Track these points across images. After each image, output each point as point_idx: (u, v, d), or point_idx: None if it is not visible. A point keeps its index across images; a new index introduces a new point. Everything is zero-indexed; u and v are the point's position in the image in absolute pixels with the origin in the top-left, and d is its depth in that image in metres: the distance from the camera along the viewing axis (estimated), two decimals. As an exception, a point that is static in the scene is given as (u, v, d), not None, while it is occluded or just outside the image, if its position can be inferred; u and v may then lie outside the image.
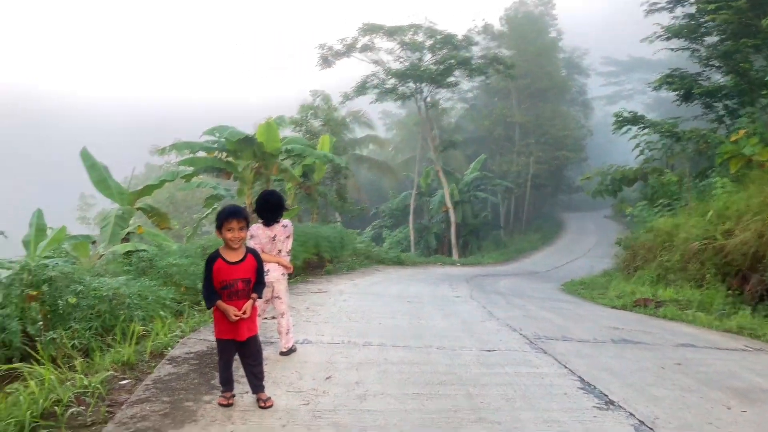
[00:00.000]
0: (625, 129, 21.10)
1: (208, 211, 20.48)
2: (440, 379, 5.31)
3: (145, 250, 10.91)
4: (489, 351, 6.66)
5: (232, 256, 4.38)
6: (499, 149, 50.45)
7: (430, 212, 40.97)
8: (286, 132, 27.70)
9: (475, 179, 40.45)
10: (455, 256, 33.09)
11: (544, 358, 6.42)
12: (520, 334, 7.76)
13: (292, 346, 6.10)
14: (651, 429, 4.24)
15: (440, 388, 5.01)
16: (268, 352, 6.12)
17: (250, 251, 4.43)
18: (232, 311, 4.27)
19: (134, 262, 10.93)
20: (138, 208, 14.35)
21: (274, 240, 5.87)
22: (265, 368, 4.80)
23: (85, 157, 13.82)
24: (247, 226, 4.40)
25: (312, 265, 17.18)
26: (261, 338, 6.79)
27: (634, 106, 57.33)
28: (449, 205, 34.01)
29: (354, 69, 30.26)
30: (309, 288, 12.37)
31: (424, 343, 6.94)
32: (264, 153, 16.76)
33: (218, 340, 4.42)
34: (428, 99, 32.21)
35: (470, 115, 54.16)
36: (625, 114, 21.16)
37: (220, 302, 4.32)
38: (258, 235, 5.83)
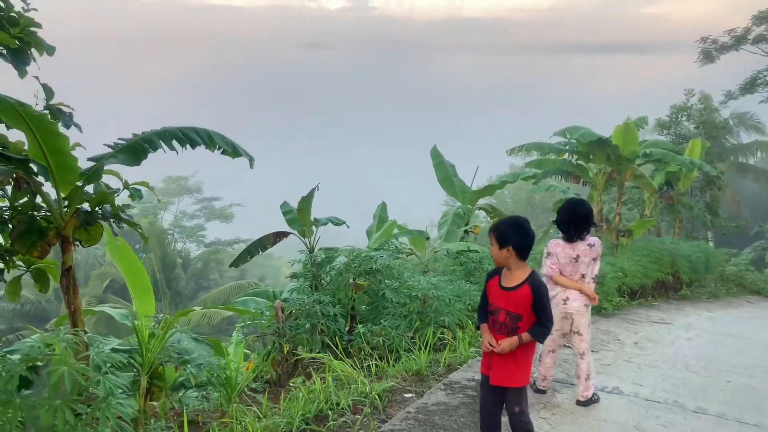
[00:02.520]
0: None
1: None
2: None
3: (476, 251, 10.71)
4: None
5: (507, 280, 3.61)
6: None
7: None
8: (647, 135, 25.11)
9: None
10: None
11: None
12: None
13: (593, 395, 4.99)
14: None
15: None
16: (562, 397, 5.13)
17: (530, 280, 3.55)
18: (486, 338, 3.55)
19: (464, 262, 10.87)
20: (479, 208, 14.37)
21: (577, 261, 4.84)
22: (553, 418, 3.92)
23: (434, 155, 14.36)
24: (509, 245, 3.53)
25: (665, 285, 15.07)
26: (558, 374, 5.81)
27: None
28: None
29: (739, 63, 25.75)
30: (649, 315, 10.64)
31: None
32: (619, 157, 15.24)
33: (482, 373, 3.72)
34: None
35: None
36: None
37: (483, 325, 3.66)
38: (556, 253, 4.88)
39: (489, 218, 14.81)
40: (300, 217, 8.25)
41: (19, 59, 6.11)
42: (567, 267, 4.86)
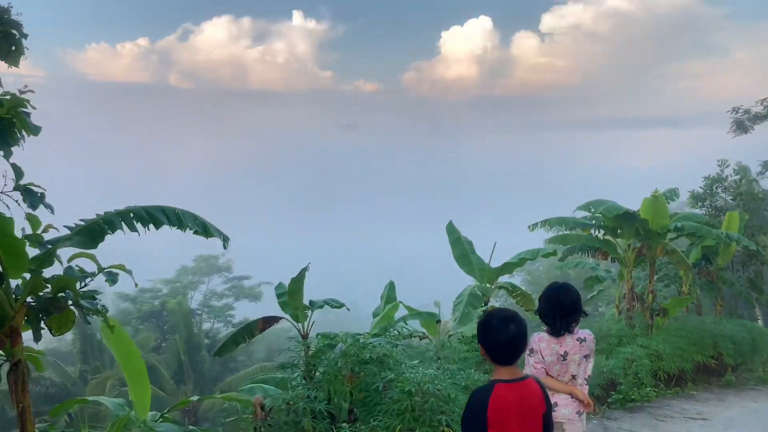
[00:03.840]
0: None
1: (592, 294, 18.73)
2: None
3: None
4: None
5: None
6: None
7: None
8: (681, 208, 24.11)
9: None
10: None
11: None
12: None
13: None
14: None
15: None
16: None
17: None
18: None
19: (477, 347, 10.08)
20: (500, 287, 13.59)
21: (566, 359, 4.12)
22: None
23: (450, 230, 13.79)
24: (480, 343, 2.93)
25: (707, 370, 13.87)
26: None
27: None
28: None
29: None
30: (684, 409, 9.55)
31: None
32: (648, 231, 14.43)
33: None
34: None
35: None
36: None
37: None
38: (540, 349, 4.18)
39: (511, 298, 14.00)
40: (291, 299, 7.69)
41: (2, 140, 5.88)
42: (554, 366, 4.15)
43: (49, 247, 5.07)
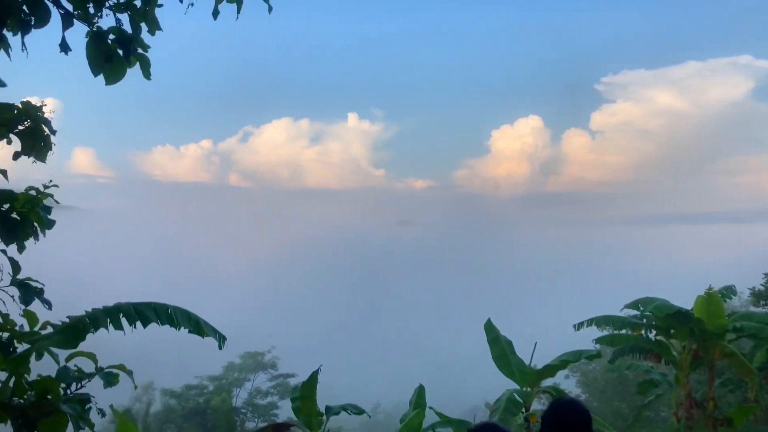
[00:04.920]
0: None
1: (649, 399, 17.42)
2: None
3: None
4: None
5: None
6: None
7: None
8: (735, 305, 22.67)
9: None
10: None
11: None
12: None
13: None
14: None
15: None
16: None
17: None
18: None
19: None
20: (543, 391, 12.62)
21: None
22: None
23: (489, 329, 13.08)
24: None
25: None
26: None
27: None
28: None
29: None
30: None
31: None
32: (704, 331, 13.39)
33: None
34: None
35: None
36: None
37: None
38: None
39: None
40: (303, 405, 7.16)
41: (12, 235, 5.83)
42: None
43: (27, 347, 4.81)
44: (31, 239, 6.32)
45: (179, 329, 5.18)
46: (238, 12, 6.80)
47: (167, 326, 5.39)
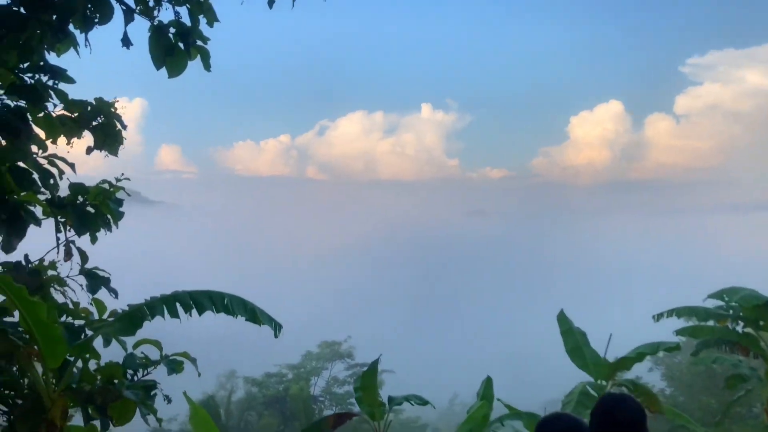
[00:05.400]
0: None
1: (738, 395, 16.52)
2: None
3: None
4: None
5: None
6: None
7: None
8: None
9: None
10: None
11: None
12: None
13: None
14: None
15: None
16: None
17: None
18: None
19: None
20: (620, 384, 12.08)
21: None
22: None
23: (562, 321, 12.63)
24: None
25: None
26: None
27: None
28: None
29: None
30: None
31: None
32: (797, 323, 12.49)
33: None
34: None
35: None
36: None
37: None
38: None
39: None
40: (365, 396, 7.10)
41: (85, 227, 6.03)
42: None
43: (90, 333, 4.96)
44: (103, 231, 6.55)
45: (236, 317, 5.22)
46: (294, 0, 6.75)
47: (213, 314, 5.45)
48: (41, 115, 5.51)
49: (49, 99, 5.75)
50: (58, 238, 6.19)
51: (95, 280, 6.02)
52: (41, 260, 6.18)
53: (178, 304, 4.99)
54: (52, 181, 5.79)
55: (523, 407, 10.54)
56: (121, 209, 6.31)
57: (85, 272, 5.99)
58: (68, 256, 6.15)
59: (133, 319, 4.86)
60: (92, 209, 6.09)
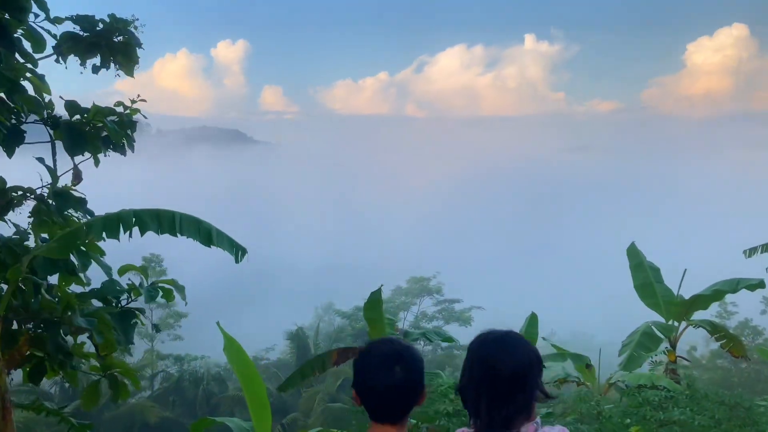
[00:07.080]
0: None
1: None
2: None
3: (664, 389, 7.75)
4: None
5: None
6: None
7: None
8: None
9: None
10: None
11: None
12: None
13: None
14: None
15: None
16: None
17: None
18: None
19: (642, 402, 7.84)
20: (696, 325, 10.77)
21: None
22: None
23: (632, 254, 11.41)
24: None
25: None
26: None
27: None
28: None
29: None
30: None
31: None
32: None
33: None
34: None
35: None
36: None
37: None
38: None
39: (713, 339, 11.13)
40: (372, 329, 6.44)
41: (77, 146, 5.75)
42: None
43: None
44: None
45: (187, 238, 4.68)
46: None
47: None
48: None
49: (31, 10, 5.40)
50: (54, 160, 5.94)
51: (64, 201, 5.66)
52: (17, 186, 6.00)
53: (120, 224, 4.50)
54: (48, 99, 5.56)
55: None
56: (131, 132, 5.97)
57: (55, 192, 5.66)
58: (77, 179, 5.90)
59: (69, 239, 4.43)
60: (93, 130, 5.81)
